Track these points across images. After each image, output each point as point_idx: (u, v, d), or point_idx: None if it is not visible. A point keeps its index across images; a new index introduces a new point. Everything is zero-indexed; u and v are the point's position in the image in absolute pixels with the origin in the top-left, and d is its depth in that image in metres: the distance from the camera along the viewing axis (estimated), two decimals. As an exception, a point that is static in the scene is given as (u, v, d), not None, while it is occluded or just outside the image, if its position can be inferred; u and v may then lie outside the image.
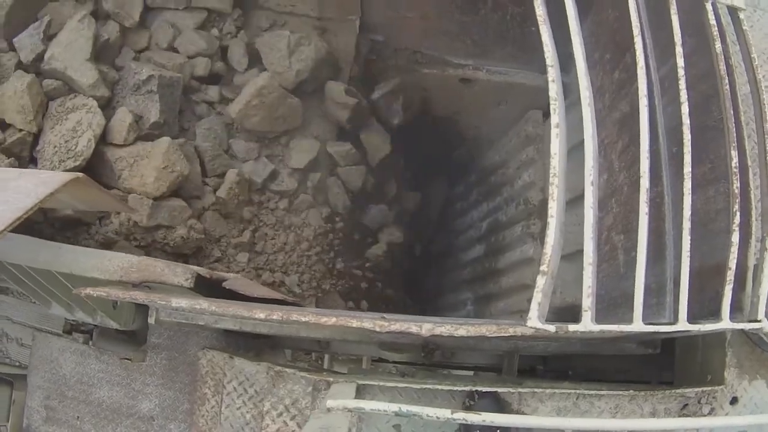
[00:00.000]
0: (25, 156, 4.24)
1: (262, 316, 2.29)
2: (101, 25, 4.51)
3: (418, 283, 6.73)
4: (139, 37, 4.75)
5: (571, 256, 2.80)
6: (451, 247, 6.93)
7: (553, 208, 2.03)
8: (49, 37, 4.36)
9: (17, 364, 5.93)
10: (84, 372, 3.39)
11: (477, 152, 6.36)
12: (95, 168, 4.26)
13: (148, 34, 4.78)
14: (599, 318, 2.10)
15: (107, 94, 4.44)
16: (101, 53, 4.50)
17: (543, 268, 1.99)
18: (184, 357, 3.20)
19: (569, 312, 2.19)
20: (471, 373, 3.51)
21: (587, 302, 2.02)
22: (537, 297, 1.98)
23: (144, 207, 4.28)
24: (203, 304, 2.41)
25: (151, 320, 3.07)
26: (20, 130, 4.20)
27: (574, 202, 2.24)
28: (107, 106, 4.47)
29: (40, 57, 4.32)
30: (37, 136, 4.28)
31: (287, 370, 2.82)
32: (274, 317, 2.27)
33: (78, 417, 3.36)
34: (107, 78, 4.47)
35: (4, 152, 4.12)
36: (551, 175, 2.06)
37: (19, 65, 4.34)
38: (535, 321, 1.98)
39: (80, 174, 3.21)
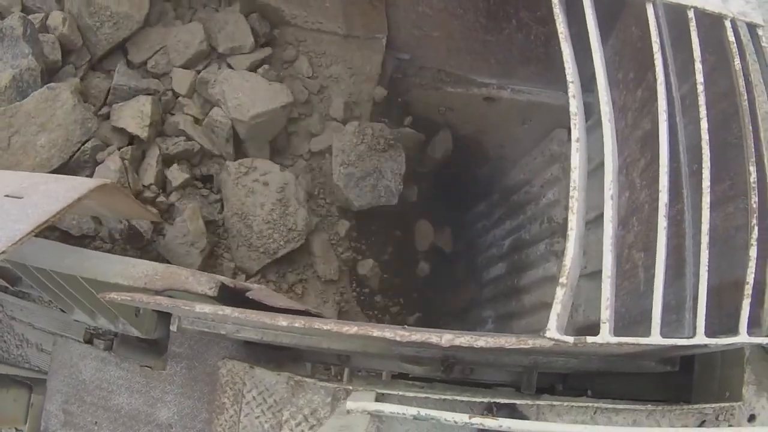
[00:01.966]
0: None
1: (284, 323, 2.32)
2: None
3: (437, 301, 6.72)
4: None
5: (595, 274, 2.82)
6: (472, 265, 6.92)
7: (573, 221, 2.05)
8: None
9: (36, 369, 5.99)
10: (103, 378, 3.42)
11: (500, 171, 6.36)
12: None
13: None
14: (618, 333, 2.11)
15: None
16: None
17: (562, 280, 2.00)
18: (204, 366, 3.21)
19: (592, 330, 2.19)
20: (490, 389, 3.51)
21: (605, 314, 2.03)
22: (556, 308, 2.00)
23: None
24: (226, 310, 2.44)
25: (173, 328, 3.07)
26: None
27: (597, 221, 2.25)
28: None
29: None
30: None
31: (307, 380, 2.84)
32: (297, 325, 2.30)
33: (96, 422, 3.39)
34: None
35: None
36: (571, 188, 2.08)
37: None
38: (553, 332, 1.99)
39: (108, 180, 3.26)
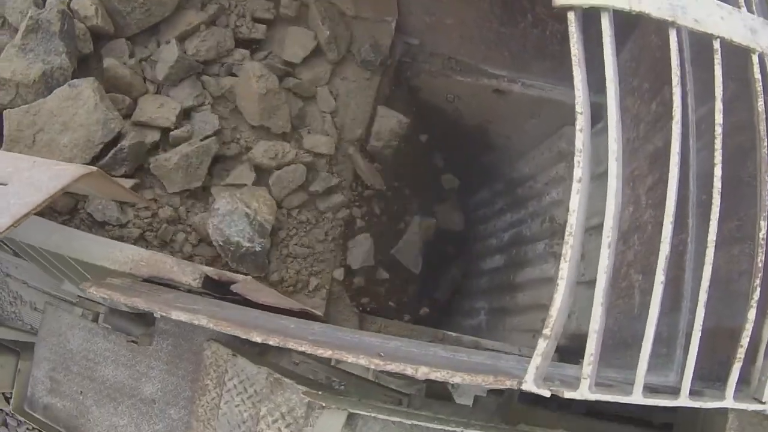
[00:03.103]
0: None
1: (258, 339, 2.27)
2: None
3: (435, 284, 6.68)
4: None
5: (592, 284, 2.73)
6: (470, 253, 6.87)
7: (564, 269, 1.95)
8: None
9: (29, 327, 6.01)
10: (90, 349, 3.42)
11: (506, 161, 6.29)
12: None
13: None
14: (605, 356, 2.03)
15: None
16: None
17: (546, 331, 1.92)
18: (189, 345, 3.20)
19: (581, 340, 2.13)
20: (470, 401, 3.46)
21: (587, 370, 1.94)
22: (535, 360, 1.91)
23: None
24: (202, 320, 2.39)
25: (156, 315, 3.06)
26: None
27: (599, 228, 2.15)
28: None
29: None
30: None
31: (286, 379, 2.80)
32: (271, 342, 2.24)
33: (81, 392, 3.40)
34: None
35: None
36: (567, 232, 1.98)
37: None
38: (530, 385, 1.92)
39: (94, 168, 3.20)
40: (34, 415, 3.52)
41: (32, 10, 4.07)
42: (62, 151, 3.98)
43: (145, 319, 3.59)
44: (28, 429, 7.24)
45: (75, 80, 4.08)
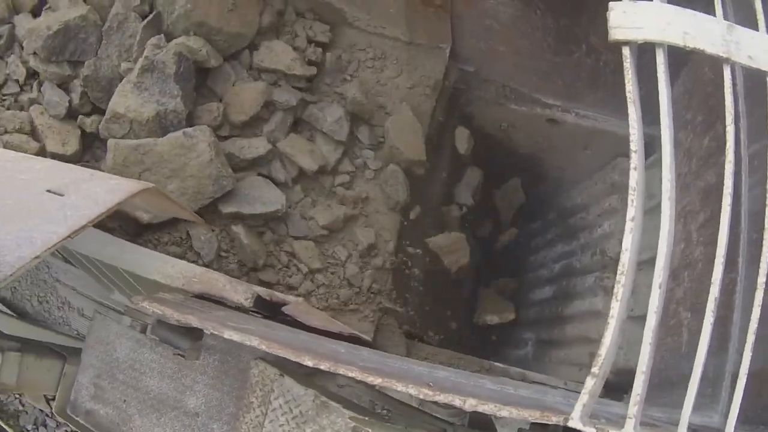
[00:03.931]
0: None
1: (309, 363, 2.29)
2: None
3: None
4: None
5: (641, 319, 2.70)
6: (520, 282, 6.81)
7: (615, 308, 1.93)
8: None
9: (75, 332, 6.11)
10: (137, 359, 3.45)
11: (559, 191, 6.24)
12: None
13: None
14: (650, 394, 2.00)
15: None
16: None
17: (594, 369, 1.90)
18: (236, 362, 3.20)
19: (627, 375, 2.10)
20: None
21: (633, 410, 1.92)
22: (583, 398, 1.89)
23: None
24: (254, 341, 2.43)
25: (206, 332, 3.09)
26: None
27: (650, 262, 2.13)
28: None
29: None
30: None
31: (333, 403, 2.80)
32: (322, 366, 2.26)
33: (125, 400, 3.42)
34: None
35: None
36: (618, 272, 1.97)
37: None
38: (577, 422, 1.89)
39: (151, 184, 3.25)
40: (76, 419, 3.57)
41: (149, 49, 4.18)
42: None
43: (192, 333, 3.63)
44: (66, 432, 7.37)
45: (190, 129, 4.11)
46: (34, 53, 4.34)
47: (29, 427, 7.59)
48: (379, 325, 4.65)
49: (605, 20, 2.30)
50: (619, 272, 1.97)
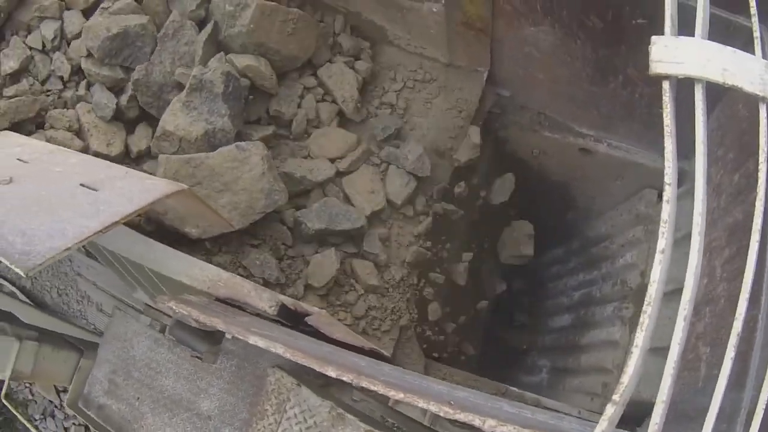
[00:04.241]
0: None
1: (333, 374, 2.30)
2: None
3: (498, 338, 6.64)
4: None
5: (658, 350, 2.71)
6: (539, 308, 6.80)
7: (640, 338, 1.94)
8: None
9: (92, 327, 6.14)
10: (153, 358, 3.48)
11: (584, 220, 6.24)
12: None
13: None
14: (665, 427, 2.00)
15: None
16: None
17: (615, 397, 1.90)
18: (253, 369, 3.20)
19: (641, 408, 2.09)
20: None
21: (650, 448, 1.92)
22: (602, 425, 1.89)
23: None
24: (279, 349, 2.45)
25: (228, 335, 3.11)
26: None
27: (672, 294, 2.13)
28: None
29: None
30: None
31: (349, 415, 2.82)
32: (345, 378, 2.28)
33: (138, 398, 3.44)
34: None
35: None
36: (646, 303, 1.97)
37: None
38: (593, 451, 1.90)
39: (185, 186, 3.29)
40: (88, 412, 3.59)
41: (197, 69, 4.25)
42: (219, 210, 4.04)
43: (209, 337, 3.65)
44: (75, 424, 7.39)
45: (243, 143, 4.17)
46: (89, 53, 4.42)
47: (37, 416, 7.63)
48: (398, 342, 4.67)
49: (644, 53, 2.33)
50: (645, 302, 1.98)
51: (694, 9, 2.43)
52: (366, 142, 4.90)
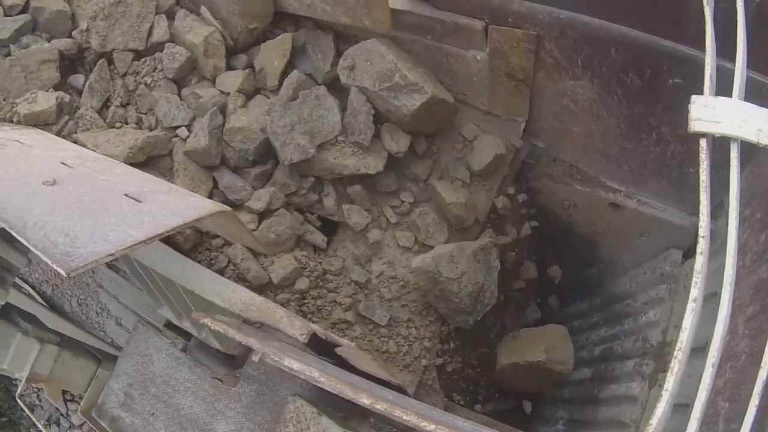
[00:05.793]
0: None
1: (366, 402, 2.32)
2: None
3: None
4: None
5: (679, 407, 2.74)
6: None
7: (670, 382, 2.00)
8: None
9: (110, 340, 6.16)
10: (173, 375, 3.48)
11: (608, 276, 6.25)
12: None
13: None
14: None
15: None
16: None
17: (648, 432, 1.95)
18: (273, 395, 3.21)
19: None
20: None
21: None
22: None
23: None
24: (314, 373, 2.46)
25: (255, 358, 3.15)
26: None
27: (695, 353, 2.17)
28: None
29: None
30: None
31: (369, 448, 2.79)
32: (378, 407, 2.30)
33: (153, 414, 3.45)
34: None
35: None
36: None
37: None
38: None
39: (228, 208, 3.36)
40: (100, 422, 3.59)
41: None
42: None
43: (231, 361, 3.68)
44: (81, 434, 7.38)
45: None
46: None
47: (42, 422, 7.61)
48: (420, 381, 4.70)
49: (679, 112, 2.41)
50: (676, 348, 2.04)
51: (730, 71, 2.51)
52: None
